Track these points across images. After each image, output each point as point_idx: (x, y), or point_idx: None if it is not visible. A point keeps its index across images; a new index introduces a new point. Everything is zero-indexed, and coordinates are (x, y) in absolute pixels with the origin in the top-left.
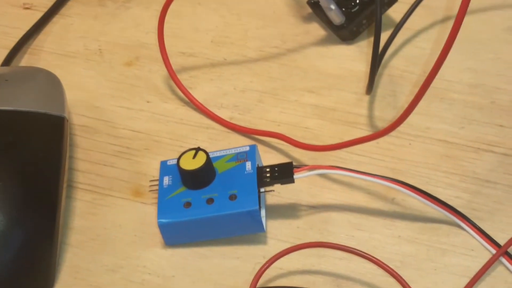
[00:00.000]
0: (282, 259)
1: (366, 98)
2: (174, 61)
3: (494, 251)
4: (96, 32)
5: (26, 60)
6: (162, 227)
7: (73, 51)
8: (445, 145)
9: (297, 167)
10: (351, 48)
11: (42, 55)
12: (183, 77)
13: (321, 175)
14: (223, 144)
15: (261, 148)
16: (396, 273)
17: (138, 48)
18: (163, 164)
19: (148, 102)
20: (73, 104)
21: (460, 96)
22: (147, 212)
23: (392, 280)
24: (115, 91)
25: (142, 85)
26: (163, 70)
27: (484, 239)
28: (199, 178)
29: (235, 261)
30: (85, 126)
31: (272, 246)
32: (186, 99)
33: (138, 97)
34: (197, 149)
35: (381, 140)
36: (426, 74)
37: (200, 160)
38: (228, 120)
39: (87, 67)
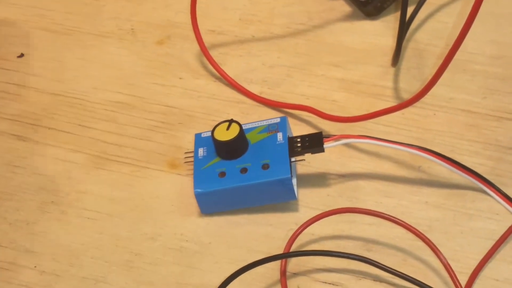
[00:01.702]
0: (313, 225)
1: (391, 71)
2: (204, 39)
3: None
4: (128, 12)
5: (63, 40)
6: (198, 196)
7: (107, 31)
8: (468, 114)
9: (327, 137)
10: (376, 24)
11: (77, 36)
12: (213, 54)
13: (349, 144)
14: (254, 117)
15: (290, 121)
16: (425, 236)
17: (169, 27)
18: (198, 136)
19: (180, 78)
20: (109, 81)
21: (482, 68)
22: (183, 183)
23: (420, 243)
24: (149, 69)
25: (174, 63)
26: (194, 48)
27: (508, 204)
28: (233, 148)
29: (268, 228)
30: (121, 102)
31: (304, 213)
32: (217, 75)
33: (170, 74)
34: (231, 121)
35: (406, 111)
36: (449, 47)
37: (234, 131)
38: (258, 94)
39: (121, 46)
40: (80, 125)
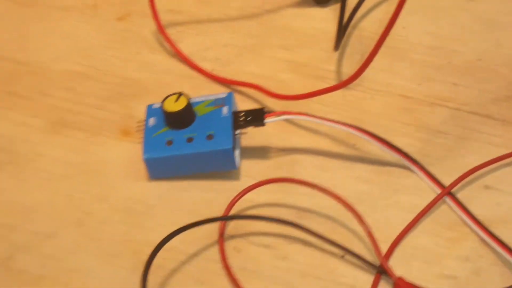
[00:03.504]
0: (252, 193)
1: (336, 55)
2: (163, 17)
3: (440, 192)
4: None
5: (25, 12)
6: (147, 162)
7: (69, 5)
8: (404, 99)
9: (269, 112)
10: (324, 11)
11: (40, 8)
12: (170, 32)
13: (290, 121)
14: (204, 92)
15: (238, 97)
16: (352, 206)
17: (129, 4)
18: (149, 107)
19: (137, 53)
20: (69, 53)
21: (420, 57)
22: (134, 150)
23: (348, 214)
24: (108, 43)
25: (133, 38)
26: (153, 25)
27: (432, 181)
28: (180, 119)
29: (211, 193)
30: (80, 73)
31: (244, 182)
32: (173, 51)
33: (128, 48)
34: (179, 94)
35: (347, 93)
36: (391, 36)
37: (182, 103)
38: (209, 71)
39: (82, 20)
40: (39, 92)
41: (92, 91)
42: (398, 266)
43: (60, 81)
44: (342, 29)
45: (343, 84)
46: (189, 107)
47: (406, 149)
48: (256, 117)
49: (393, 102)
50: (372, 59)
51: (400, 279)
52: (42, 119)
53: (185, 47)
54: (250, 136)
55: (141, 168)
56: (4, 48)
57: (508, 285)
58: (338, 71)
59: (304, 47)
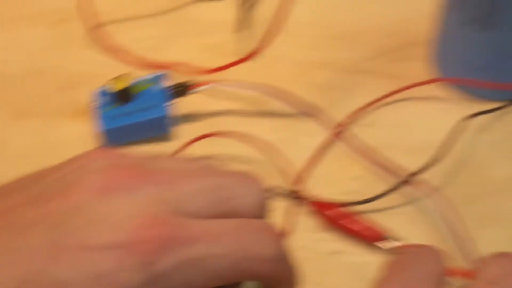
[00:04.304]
0: (188, 149)
1: (241, 37)
2: (93, 19)
3: (334, 131)
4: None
5: None
6: (104, 133)
7: (10, 17)
8: (297, 65)
9: (193, 84)
10: (222, 3)
11: None
12: (103, 30)
13: (211, 90)
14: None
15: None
16: (272, 147)
17: (64, 11)
18: (95, 91)
19: (76, 51)
20: (16, 57)
21: (308, 32)
22: (87, 127)
23: (270, 154)
24: (49, 45)
25: (71, 38)
26: (87, 25)
27: (327, 123)
28: (126, 95)
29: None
30: (28, 72)
31: (180, 142)
32: (107, 46)
33: (68, 47)
34: (121, 75)
35: (251, 65)
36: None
37: (125, 82)
38: (141, 59)
39: (25, 27)
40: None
41: (42, 85)
42: (311, 190)
43: (13, 80)
44: (241, 15)
45: (247, 58)
46: (131, 85)
47: (303, 101)
48: (184, 89)
49: (289, 68)
50: (270, 39)
51: (314, 198)
52: (3, 111)
53: (118, 41)
54: (181, 104)
55: (94, 141)
56: None
57: (390, 188)
58: (243, 49)
59: (214, 33)
